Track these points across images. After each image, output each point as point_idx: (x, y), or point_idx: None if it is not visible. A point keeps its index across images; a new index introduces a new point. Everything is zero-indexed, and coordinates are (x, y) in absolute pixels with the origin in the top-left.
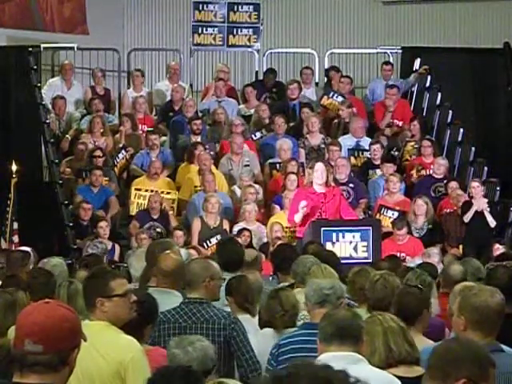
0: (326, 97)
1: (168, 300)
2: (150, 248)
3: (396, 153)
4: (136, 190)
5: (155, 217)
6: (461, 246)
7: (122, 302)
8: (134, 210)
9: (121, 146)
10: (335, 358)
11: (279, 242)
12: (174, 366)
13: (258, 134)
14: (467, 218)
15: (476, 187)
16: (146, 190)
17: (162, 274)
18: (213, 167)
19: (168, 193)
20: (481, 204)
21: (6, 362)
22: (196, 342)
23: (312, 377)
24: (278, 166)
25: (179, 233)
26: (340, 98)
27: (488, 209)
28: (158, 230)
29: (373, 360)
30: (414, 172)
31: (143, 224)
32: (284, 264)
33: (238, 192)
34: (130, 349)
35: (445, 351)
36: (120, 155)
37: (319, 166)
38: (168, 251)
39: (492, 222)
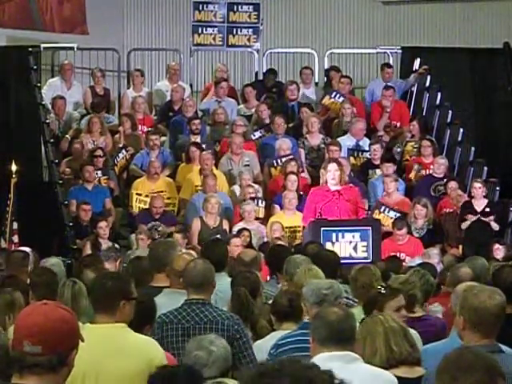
0: (327, 96)
1: (182, 300)
2: (153, 248)
3: (399, 149)
4: (137, 194)
5: (157, 217)
6: (460, 246)
7: (133, 304)
8: (136, 211)
9: (121, 146)
10: (332, 357)
11: (278, 243)
12: (176, 366)
13: (258, 134)
14: (465, 225)
15: (478, 188)
16: (147, 196)
17: (176, 274)
18: (213, 167)
19: (168, 198)
20: (480, 205)
21: (4, 363)
22: (216, 341)
23: (296, 375)
24: (275, 162)
25: (177, 235)
26: (342, 99)
27: (492, 218)
28: (160, 229)
29: (374, 360)
30: (412, 175)
31: (145, 224)
32: (283, 264)
33: (238, 192)
34: (156, 348)
35: (456, 357)
36: (120, 155)
37: (332, 166)
38: (181, 252)
39: (496, 227)
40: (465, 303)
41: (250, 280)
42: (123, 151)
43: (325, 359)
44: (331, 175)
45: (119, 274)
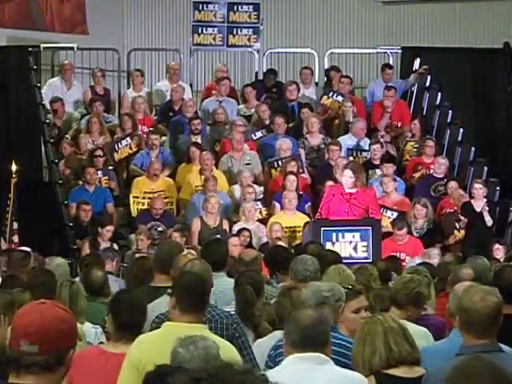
0: (325, 96)
1: None
2: (158, 248)
3: (389, 149)
4: (134, 197)
5: (157, 217)
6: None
7: None
8: (135, 214)
9: (126, 133)
10: (302, 359)
11: (278, 243)
12: (177, 367)
13: (258, 134)
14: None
15: (478, 189)
16: (144, 197)
17: None
18: (213, 168)
19: (166, 197)
20: (480, 205)
21: (2, 362)
22: (199, 341)
23: (230, 381)
24: (276, 163)
25: (175, 234)
26: (340, 98)
27: (487, 208)
28: (160, 229)
29: (373, 360)
30: (416, 174)
31: (145, 224)
32: (284, 264)
33: (237, 191)
34: (235, 351)
35: (463, 366)
36: (124, 141)
37: (346, 172)
38: (185, 252)
39: (489, 221)
40: (459, 303)
41: (255, 279)
42: (128, 139)
43: (293, 361)
44: (345, 180)
45: (201, 274)
